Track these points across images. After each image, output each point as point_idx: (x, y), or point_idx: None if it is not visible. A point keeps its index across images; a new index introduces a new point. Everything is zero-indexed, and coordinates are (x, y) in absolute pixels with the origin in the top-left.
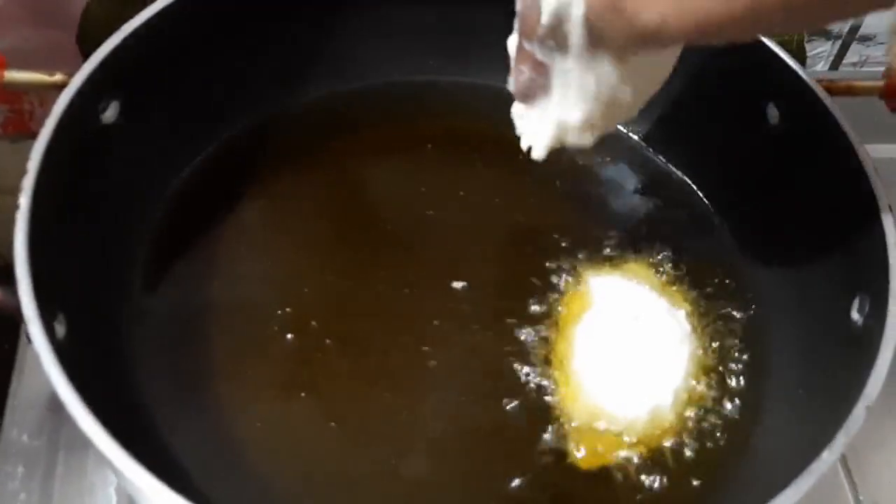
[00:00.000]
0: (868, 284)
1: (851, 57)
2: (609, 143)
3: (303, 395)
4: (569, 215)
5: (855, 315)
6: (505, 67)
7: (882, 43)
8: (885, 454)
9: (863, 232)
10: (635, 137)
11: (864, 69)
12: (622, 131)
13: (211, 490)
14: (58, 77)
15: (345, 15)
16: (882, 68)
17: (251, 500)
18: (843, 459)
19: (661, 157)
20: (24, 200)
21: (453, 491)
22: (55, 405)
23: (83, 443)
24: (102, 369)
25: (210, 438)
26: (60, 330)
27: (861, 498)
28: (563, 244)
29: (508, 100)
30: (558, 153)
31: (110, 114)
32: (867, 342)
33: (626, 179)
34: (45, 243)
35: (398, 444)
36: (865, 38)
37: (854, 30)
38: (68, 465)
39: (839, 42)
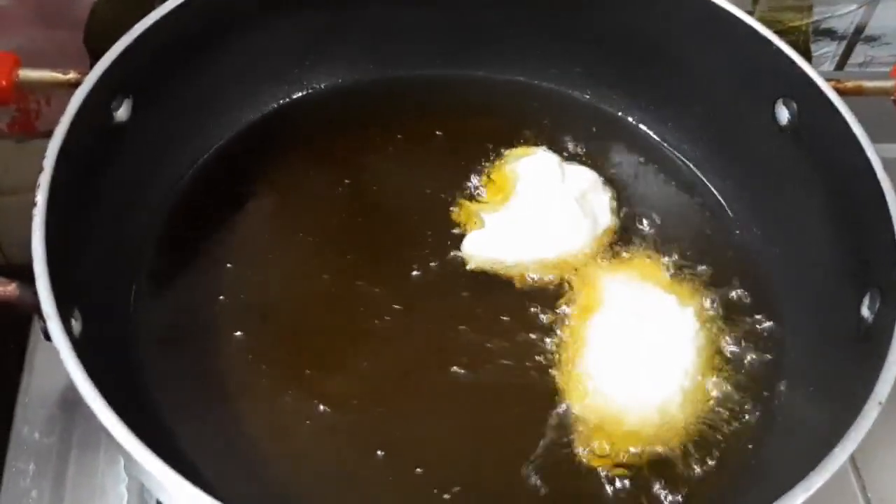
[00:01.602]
0: (878, 281)
1: (857, 57)
2: (622, 142)
3: (313, 392)
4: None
5: (865, 311)
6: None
7: (887, 44)
8: (894, 452)
9: (873, 230)
10: (649, 131)
11: (870, 69)
12: (640, 129)
13: (223, 488)
14: (72, 76)
15: (350, 14)
16: (887, 69)
17: (261, 495)
18: (852, 457)
19: (675, 155)
20: (41, 197)
21: (464, 487)
22: (66, 403)
23: (95, 440)
24: (115, 365)
25: (220, 434)
26: (76, 326)
27: (869, 496)
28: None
29: (514, 95)
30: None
31: (123, 111)
32: (878, 339)
33: (636, 178)
34: (60, 240)
35: (407, 442)
36: (871, 39)
37: (859, 30)
38: (80, 463)
39: (844, 42)
